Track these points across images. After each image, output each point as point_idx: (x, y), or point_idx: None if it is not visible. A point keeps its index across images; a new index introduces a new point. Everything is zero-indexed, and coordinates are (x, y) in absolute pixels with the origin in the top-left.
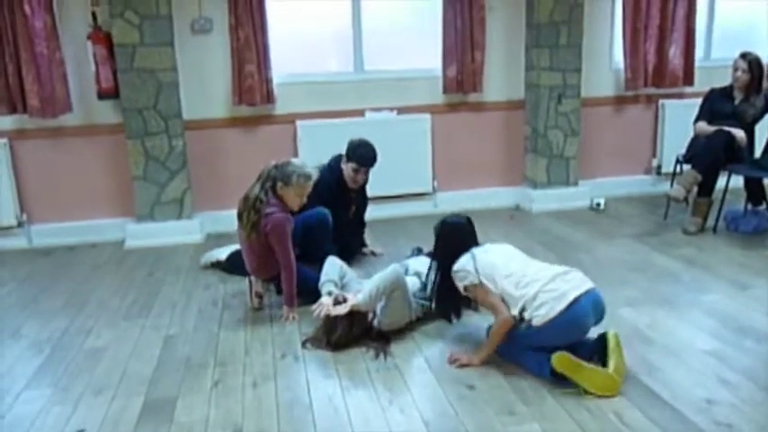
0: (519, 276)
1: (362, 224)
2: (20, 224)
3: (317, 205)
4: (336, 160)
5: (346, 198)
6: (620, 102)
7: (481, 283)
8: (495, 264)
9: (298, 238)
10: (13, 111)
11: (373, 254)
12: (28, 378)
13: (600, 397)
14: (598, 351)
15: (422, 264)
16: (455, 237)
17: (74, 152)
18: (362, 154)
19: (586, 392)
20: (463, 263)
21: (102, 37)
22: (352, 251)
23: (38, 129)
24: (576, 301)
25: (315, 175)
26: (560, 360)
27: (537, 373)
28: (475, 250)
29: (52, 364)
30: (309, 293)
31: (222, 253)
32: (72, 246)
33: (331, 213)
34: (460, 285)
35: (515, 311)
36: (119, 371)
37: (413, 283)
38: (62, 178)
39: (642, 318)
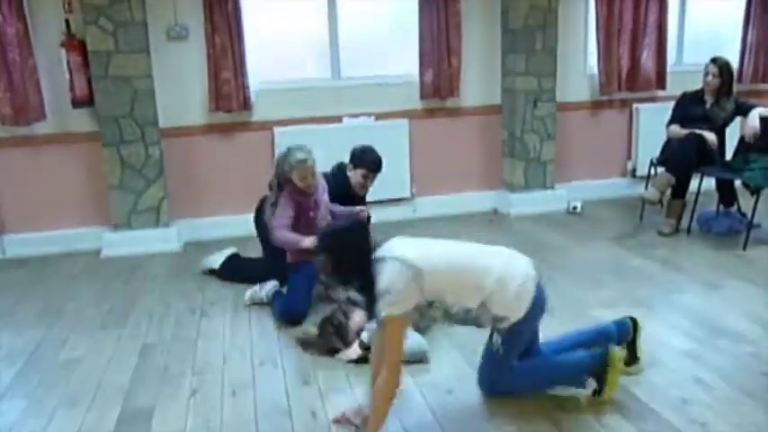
0: (460, 267)
1: None
2: None
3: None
4: (339, 169)
5: (349, 205)
6: (595, 106)
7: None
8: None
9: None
10: None
11: None
12: (1, 390)
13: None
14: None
15: None
16: (350, 246)
17: (48, 161)
18: (372, 159)
19: (596, 393)
20: (393, 274)
21: (75, 44)
22: None
23: (11, 137)
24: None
25: (305, 155)
26: (617, 356)
27: (578, 384)
28: (395, 250)
29: (26, 375)
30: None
31: (216, 262)
32: (47, 256)
33: None
34: (383, 313)
35: (473, 304)
36: (94, 382)
37: None
38: (36, 187)
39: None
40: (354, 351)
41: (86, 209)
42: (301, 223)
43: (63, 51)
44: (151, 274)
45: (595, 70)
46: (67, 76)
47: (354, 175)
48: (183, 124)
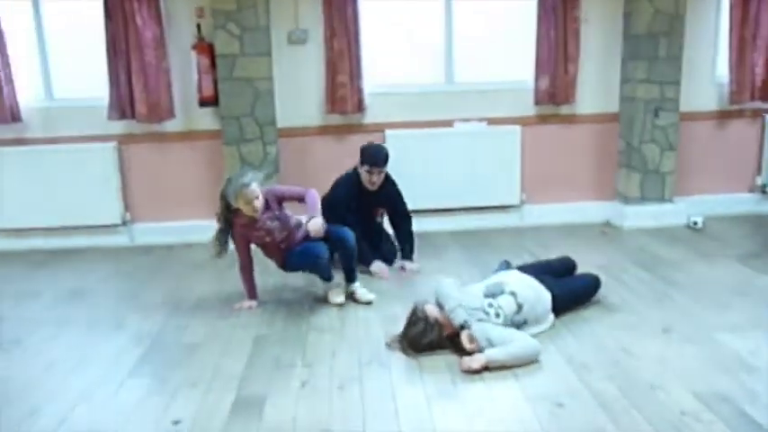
0: None
1: (409, 237)
2: (124, 223)
3: (341, 208)
4: (354, 169)
5: (367, 201)
6: (722, 116)
7: None
8: None
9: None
10: (123, 116)
11: (402, 269)
12: (130, 367)
13: None
14: None
15: (518, 282)
16: None
17: (175, 156)
18: (372, 154)
19: None
20: None
21: (205, 47)
22: (390, 260)
23: (143, 133)
24: None
25: (249, 179)
26: None
27: None
28: None
29: (152, 355)
30: None
31: None
32: (170, 245)
33: (355, 217)
34: None
35: None
36: (212, 366)
37: (508, 304)
38: (163, 181)
39: (745, 343)
40: (477, 361)
41: (207, 203)
42: (270, 251)
43: (194, 54)
44: (264, 266)
45: (725, 78)
46: (196, 77)
47: (362, 172)
48: (299, 125)
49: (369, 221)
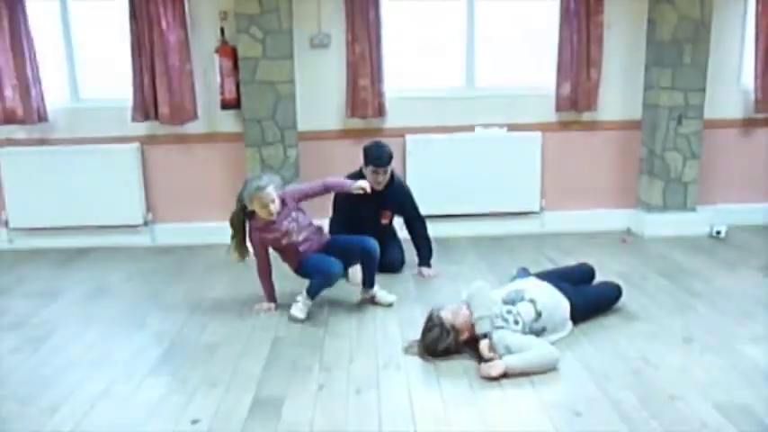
0: None
1: (425, 241)
2: (146, 223)
3: (345, 209)
4: (360, 170)
5: (373, 202)
6: (747, 124)
7: None
8: None
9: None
10: (147, 118)
11: (421, 275)
12: (150, 366)
13: None
14: None
15: (537, 289)
16: None
17: (197, 158)
18: (376, 155)
19: None
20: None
21: (228, 51)
22: (394, 267)
23: (166, 135)
24: None
25: (264, 182)
26: None
27: None
28: None
29: (172, 354)
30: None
31: None
32: (191, 246)
33: (361, 219)
34: None
35: None
36: (231, 367)
37: (527, 311)
38: (185, 182)
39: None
40: (496, 368)
41: (228, 205)
42: (286, 254)
43: (217, 57)
44: (283, 270)
45: (750, 86)
46: (219, 80)
47: (367, 173)
48: (320, 128)
49: (375, 224)
